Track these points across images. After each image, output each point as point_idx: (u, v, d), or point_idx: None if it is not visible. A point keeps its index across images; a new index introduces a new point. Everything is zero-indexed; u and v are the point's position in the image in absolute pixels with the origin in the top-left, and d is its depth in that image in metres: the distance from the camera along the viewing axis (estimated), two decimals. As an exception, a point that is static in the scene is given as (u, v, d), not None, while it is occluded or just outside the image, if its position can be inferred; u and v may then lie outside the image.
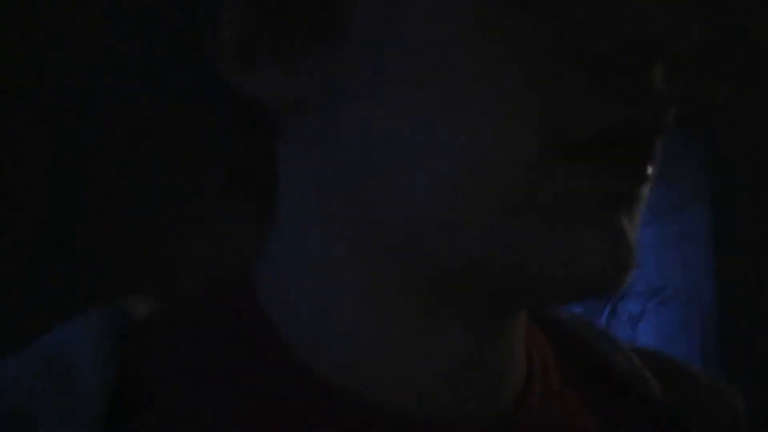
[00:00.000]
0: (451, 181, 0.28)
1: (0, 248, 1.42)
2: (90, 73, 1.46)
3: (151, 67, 1.33)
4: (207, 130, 0.35)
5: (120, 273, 1.37)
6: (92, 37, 1.44)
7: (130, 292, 0.37)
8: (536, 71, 0.27)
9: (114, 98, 1.46)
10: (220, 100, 0.33)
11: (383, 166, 0.29)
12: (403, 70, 0.28)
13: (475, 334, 0.32)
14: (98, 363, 0.31)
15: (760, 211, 1.64)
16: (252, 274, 0.34)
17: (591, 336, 0.40)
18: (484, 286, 0.30)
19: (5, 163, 1.42)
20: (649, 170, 0.28)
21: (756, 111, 1.63)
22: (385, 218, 0.29)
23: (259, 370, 0.32)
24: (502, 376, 0.33)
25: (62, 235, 1.46)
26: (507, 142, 0.27)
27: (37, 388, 0.30)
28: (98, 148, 1.51)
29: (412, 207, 0.29)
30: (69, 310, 0.36)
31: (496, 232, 0.28)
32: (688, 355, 1.65)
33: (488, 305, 0.31)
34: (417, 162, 0.28)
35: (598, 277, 0.28)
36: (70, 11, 1.43)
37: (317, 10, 0.29)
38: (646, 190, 0.29)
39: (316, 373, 0.31)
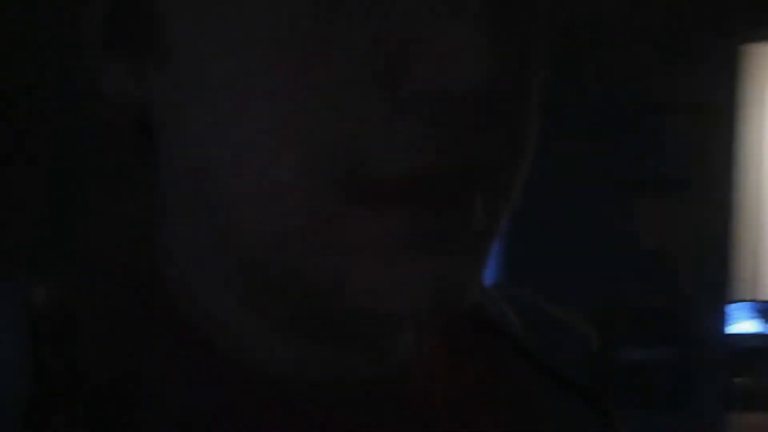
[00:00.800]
0: (247, 204, 0.28)
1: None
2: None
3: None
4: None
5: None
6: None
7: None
8: (342, 105, 0.27)
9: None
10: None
11: (198, 182, 0.30)
12: (203, 90, 0.28)
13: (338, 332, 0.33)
14: (14, 359, 0.31)
15: None
16: (158, 242, 0.36)
17: None
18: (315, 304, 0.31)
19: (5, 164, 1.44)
20: (454, 210, 0.28)
21: None
22: (215, 232, 0.31)
23: (164, 348, 0.34)
24: (381, 350, 0.35)
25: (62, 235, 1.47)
26: (302, 176, 0.27)
27: None
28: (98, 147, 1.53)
29: (222, 227, 0.30)
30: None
31: (293, 261, 0.29)
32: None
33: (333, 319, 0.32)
34: (220, 183, 0.29)
35: (391, 310, 0.29)
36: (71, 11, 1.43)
37: (141, 18, 0.30)
38: (452, 228, 0.28)
39: (217, 348, 0.33)
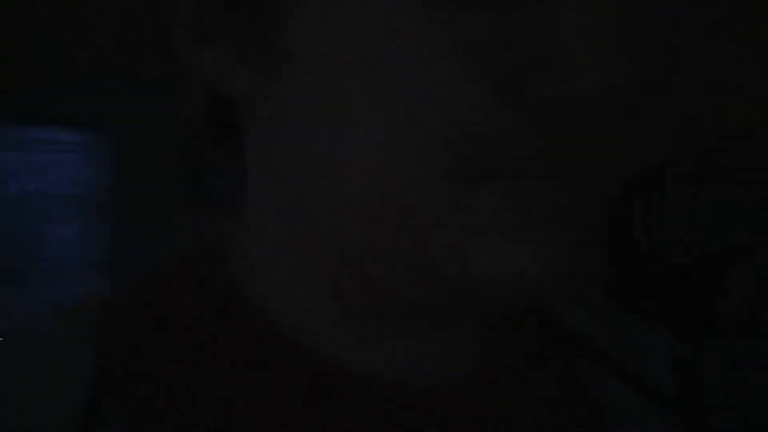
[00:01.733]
0: (360, 199, 0.28)
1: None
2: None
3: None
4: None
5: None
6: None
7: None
8: (456, 93, 0.27)
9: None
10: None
11: (307, 174, 0.29)
12: (321, 86, 0.28)
13: (425, 326, 0.33)
14: (77, 354, 0.31)
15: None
16: (225, 245, 0.35)
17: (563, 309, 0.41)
18: (419, 292, 0.30)
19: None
20: (579, 187, 0.28)
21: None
22: (316, 226, 0.31)
23: (235, 342, 0.32)
24: (448, 354, 0.35)
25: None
26: (416, 160, 0.27)
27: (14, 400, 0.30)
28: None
29: (330, 221, 0.30)
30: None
31: (405, 250, 0.28)
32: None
33: (433, 308, 0.32)
34: (330, 177, 0.29)
35: (511, 288, 0.28)
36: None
37: (258, 7, 0.30)
38: (567, 202, 0.28)
39: (288, 340, 0.33)
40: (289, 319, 0.33)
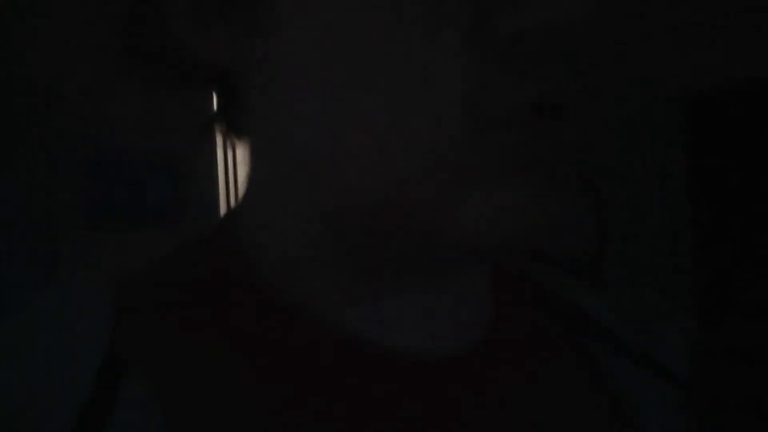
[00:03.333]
0: (375, 154, 0.29)
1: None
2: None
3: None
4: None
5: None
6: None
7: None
8: (458, 51, 0.28)
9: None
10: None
11: (318, 140, 0.30)
12: (324, 52, 0.29)
13: (423, 282, 0.34)
14: (92, 333, 0.31)
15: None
16: (236, 218, 0.37)
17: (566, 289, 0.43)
18: (414, 245, 0.31)
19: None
20: (558, 138, 0.29)
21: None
22: (324, 187, 0.31)
23: (243, 315, 0.34)
24: (456, 323, 0.35)
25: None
26: (428, 116, 0.28)
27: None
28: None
29: (342, 179, 0.30)
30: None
31: (414, 196, 0.29)
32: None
33: (427, 260, 0.33)
34: (341, 140, 0.29)
35: (501, 236, 0.29)
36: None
37: None
38: (561, 156, 0.29)
39: (294, 310, 0.34)
40: (297, 289, 0.34)
